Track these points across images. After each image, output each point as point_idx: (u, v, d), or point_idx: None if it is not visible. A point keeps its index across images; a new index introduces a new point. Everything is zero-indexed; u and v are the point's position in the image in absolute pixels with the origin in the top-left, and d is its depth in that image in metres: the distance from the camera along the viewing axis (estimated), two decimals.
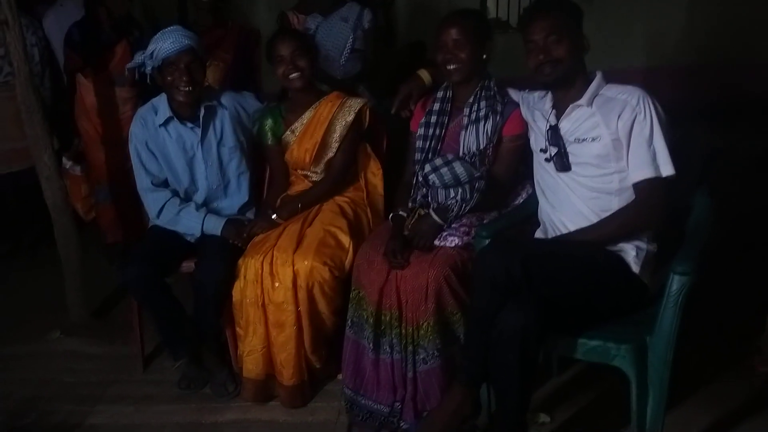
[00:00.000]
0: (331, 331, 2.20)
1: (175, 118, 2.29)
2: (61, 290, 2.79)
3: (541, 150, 1.96)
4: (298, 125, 2.35)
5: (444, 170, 2.08)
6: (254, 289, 2.11)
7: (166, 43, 2.18)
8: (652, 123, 1.78)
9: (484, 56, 2.13)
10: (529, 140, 2.07)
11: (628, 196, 1.83)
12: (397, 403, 2.04)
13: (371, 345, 2.04)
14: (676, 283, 1.66)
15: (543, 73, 1.86)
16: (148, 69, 2.24)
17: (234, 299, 2.18)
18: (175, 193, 2.35)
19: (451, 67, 2.09)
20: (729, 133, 4.65)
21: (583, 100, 1.85)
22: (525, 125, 2.08)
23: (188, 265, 2.30)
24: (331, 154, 2.35)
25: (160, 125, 2.29)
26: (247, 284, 2.12)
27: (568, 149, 1.89)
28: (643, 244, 1.85)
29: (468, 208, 2.05)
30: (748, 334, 2.34)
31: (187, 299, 2.27)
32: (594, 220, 1.86)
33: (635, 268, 1.83)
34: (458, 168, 2.07)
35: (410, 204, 2.19)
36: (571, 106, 1.88)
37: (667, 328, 1.69)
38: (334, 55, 3.07)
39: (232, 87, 2.92)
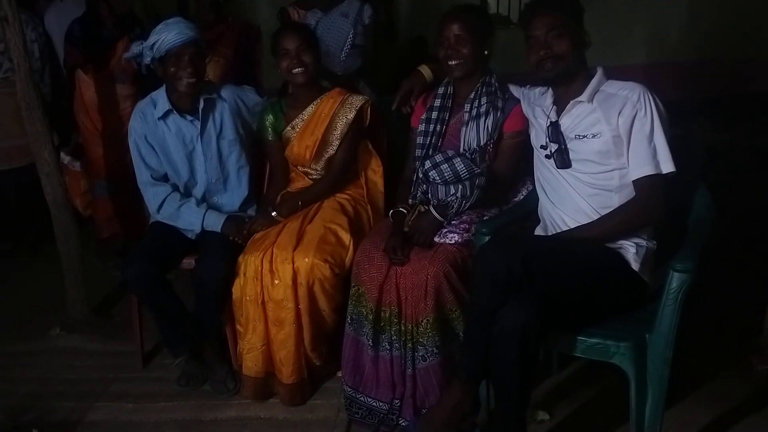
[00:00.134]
0: (331, 328, 2.20)
1: (175, 111, 2.29)
2: (61, 287, 2.79)
3: (542, 146, 1.96)
4: (299, 121, 2.35)
5: (444, 166, 2.08)
6: (254, 286, 2.11)
7: (171, 34, 2.17)
8: (653, 120, 1.77)
9: (486, 52, 2.12)
10: (529, 136, 2.07)
11: (629, 193, 1.83)
12: (396, 401, 2.04)
13: (370, 342, 2.04)
14: (675, 281, 1.66)
15: (544, 69, 1.86)
16: (147, 60, 2.23)
17: (234, 296, 2.18)
18: (175, 188, 2.34)
19: (453, 62, 2.09)
20: (730, 130, 4.65)
21: (584, 97, 1.85)
22: (526, 121, 2.08)
23: (189, 262, 2.30)
24: (331, 152, 2.34)
25: (159, 118, 2.29)
26: (247, 281, 2.12)
27: (569, 146, 1.88)
28: (643, 242, 1.85)
29: (468, 204, 2.05)
30: (747, 333, 2.34)
31: (188, 296, 2.27)
32: (594, 217, 1.86)
33: (635, 266, 1.83)
34: (458, 164, 2.06)
35: (410, 200, 2.18)
36: (571, 102, 1.88)
37: (667, 326, 1.68)
38: (334, 51, 3.06)
39: (232, 83, 2.92)
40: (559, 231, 1.93)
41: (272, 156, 2.45)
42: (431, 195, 2.15)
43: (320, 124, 2.31)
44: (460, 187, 2.07)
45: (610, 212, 1.84)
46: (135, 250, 2.28)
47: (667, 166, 1.77)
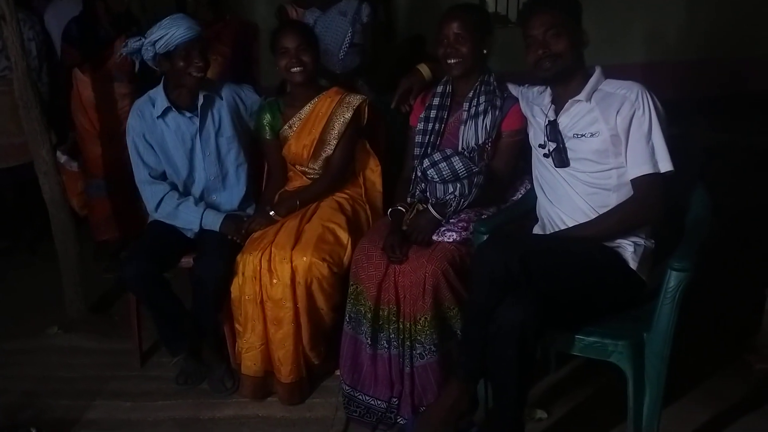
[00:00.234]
0: (330, 327, 2.20)
1: (173, 109, 2.29)
2: (59, 286, 2.78)
3: (540, 145, 1.96)
4: (296, 120, 2.34)
5: (442, 165, 2.08)
6: (252, 285, 2.11)
7: (181, 29, 2.16)
8: (651, 119, 1.77)
9: (485, 51, 2.13)
10: (528, 135, 2.07)
11: (627, 192, 1.83)
12: (394, 399, 2.04)
13: (369, 340, 2.04)
14: (673, 280, 1.66)
15: (542, 68, 1.86)
16: (149, 55, 2.21)
17: (233, 296, 2.18)
18: (174, 187, 2.34)
19: (452, 61, 2.09)
20: (728, 129, 4.65)
21: (582, 96, 1.85)
22: (524, 120, 2.08)
23: (187, 261, 2.29)
24: (329, 151, 2.34)
25: (158, 117, 2.28)
26: (246, 281, 2.12)
27: (567, 145, 1.88)
28: (641, 241, 1.85)
29: (466, 203, 2.05)
30: (744, 332, 2.34)
31: (186, 294, 2.27)
32: (592, 215, 1.86)
33: (633, 264, 1.83)
34: (457, 163, 2.07)
35: (409, 199, 2.18)
36: (570, 101, 1.88)
37: (665, 325, 1.69)
38: (332, 50, 3.06)
39: (230, 81, 2.91)
40: (557, 230, 1.93)
41: (270, 155, 2.44)
42: (430, 193, 2.15)
43: (318, 123, 2.30)
44: (458, 185, 2.07)
45: (608, 211, 1.84)
46: (133, 249, 2.28)
47: (665, 166, 1.77)
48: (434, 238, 2.04)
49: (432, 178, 2.10)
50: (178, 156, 2.32)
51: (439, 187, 2.12)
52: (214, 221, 2.29)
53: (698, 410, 2.05)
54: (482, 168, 2.07)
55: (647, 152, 1.77)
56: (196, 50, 2.20)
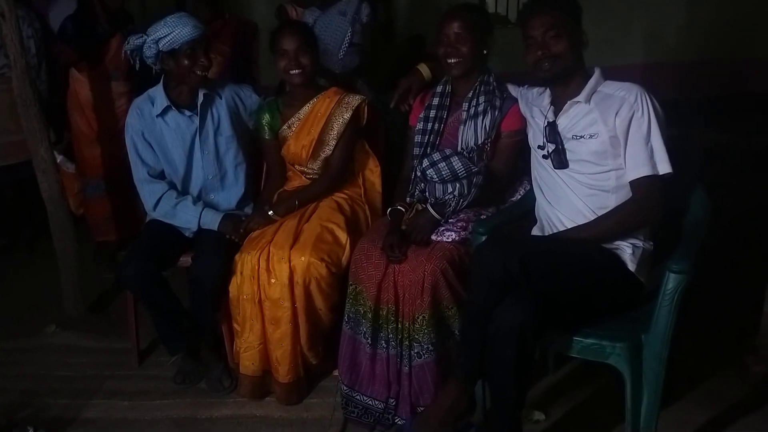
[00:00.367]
0: (328, 327, 2.20)
1: (173, 108, 2.28)
2: (57, 284, 2.78)
3: (539, 146, 1.96)
4: (295, 120, 2.34)
5: (442, 165, 2.08)
6: (251, 285, 2.11)
7: (187, 27, 2.17)
8: (650, 120, 1.77)
9: (485, 51, 2.12)
10: (527, 136, 2.07)
11: (626, 194, 1.83)
12: (392, 400, 2.04)
13: (369, 340, 2.04)
14: (672, 282, 1.66)
15: (541, 69, 1.86)
16: (152, 52, 2.20)
17: (231, 295, 2.17)
18: (172, 186, 2.34)
19: (452, 60, 2.09)
20: (727, 130, 4.65)
21: (581, 97, 1.85)
22: (523, 121, 2.08)
23: (185, 260, 2.29)
24: (328, 151, 2.34)
25: (157, 115, 2.28)
26: (244, 280, 2.12)
27: (566, 146, 1.88)
28: (639, 242, 1.85)
29: (465, 203, 2.05)
30: (742, 333, 2.35)
31: (184, 293, 2.26)
32: (591, 217, 1.86)
33: (631, 266, 1.83)
34: (456, 163, 2.06)
35: (408, 199, 2.18)
36: (569, 102, 1.87)
37: (663, 327, 1.69)
38: (332, 49, 3.06)
39: (230, 79, 2.91)
40: (555, 231, 1.93)
41: (269, 155, 2.44)
42: (429, 193, 2.15)
43: (316, 123, 2.30)
44: (457, 185, 2.07)
45: (606, 213, 1.84)
46: (132, 248, 2.27)
47: (664, 167, 1.77)
48: (433, 237, 2.04)
49: (431, 178, 2.10)
50: (176, 154, 2.32)
51: (439, 187, 2.12)
52: (212, 220, 2.28)
53: (697, 412, 2.05)
54: (481, 168, 2.07)
55: (646, 154, 1.77)
56: (200, 49, 2.21)
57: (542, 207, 2.00)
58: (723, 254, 2.84)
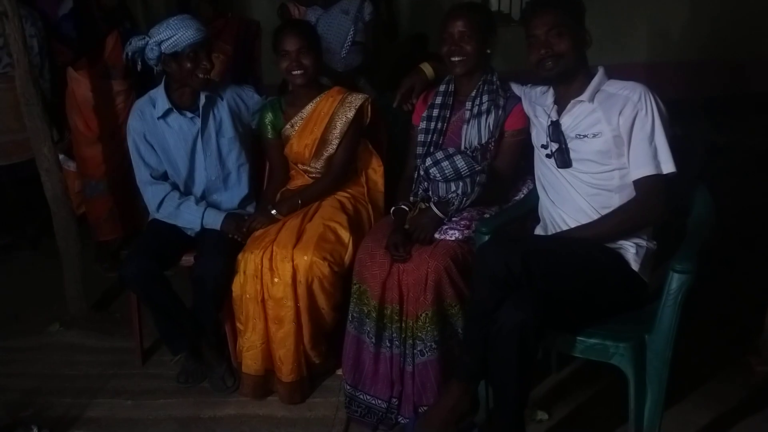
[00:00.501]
0: (331, 326, 2.20)
1: (175, 110, 2.28)
2: (60, 283, 2.78)
3: (542, 146, 1.95)
4: (298, 120, 2.34)
5: (445, 164, 2.07)
6: (254, 284, 2.11)
7: (190, 30, 2.16)
8: (654, 120, 1.76)
9: (488, 51, 2.12)
10: (530, 135, 2.06)
11: (629, 193, 1.82)
12: (394, 399, 2.04)
13: (373, 339, 2.04)
14: (675, 282, 1.65)
15: (544, 68, 1.85)
16: (154, 54, 2.19)
17: (234, 294, 2.17)
18: (175, 187, 2.34)
19: (456, 59, 2.08)
20: (731, 129, 4.64)
21: (585, 96, 1.84)
22: (527, 120, 2.08)
23: (188, 259, 2.29)
24: (331, 150, 2.34)
25: (158, 118, 2.28)
26: (247, 279, 2.12)
27: (569, 145, 1.88)
28: (642, 242, 1.84)
29: (469, 201, 2.05)
30: (746, 333, 2.34)
31: (187, 292, 2.26)
32: (594, 216, 1.85)
33: (635, 266, 1.83)
34: (459, 161, 2.06)
35: (412, 198, 2.18)
36: (572, 101, 1.87)
37: (666, 327, 1.68)
38: (335, 48, 3.06)
39: (232, 79, 2.91)
40: (559, 230, 1.93)
41: (272, 154, 2.44)
42: (432, 192, 2.15)
43: (319, 122, 2.30)
44: (461, 184, 2.07)
45: (610, 212, 1.83)
46: (134, 247, 2.27)
47: (668, 167, 1.77)
48: (436, 236, 2.04)
49: (434, 176, 2.10)
50: (179, 156, 2.32)
51: (442, 186, 2.12)
52: (215, 220, 2.28)
53: (700, 412, 2.05)
54: (485, 167, 2.07)
55: (650, 153, 1.76)
56: (203, 52, 2.20)
57: (545, 206, 2.00)
58: (726, 254, 2.83)
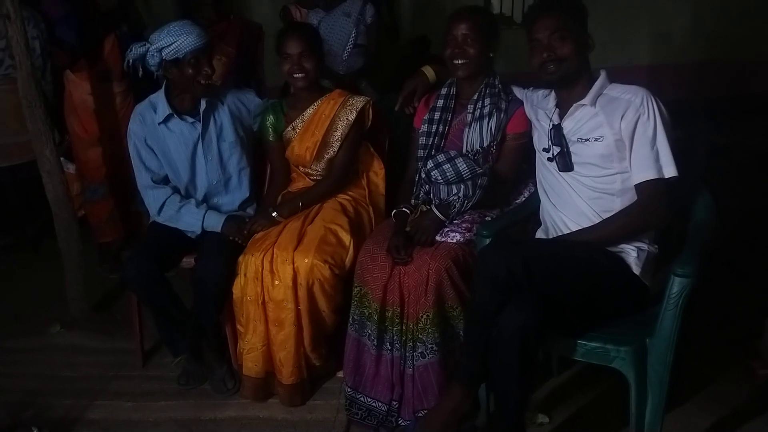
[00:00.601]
0: (331, 329, 2.20)
1: (176, 115, 2.28)
2: (61, 284, 2.78)
3: (544, 149, 1.95)
4: (299, 122, 2.34)
5: (446, 166, 2.07)
6: (254, 286, 2.11)
7: (191, 36, 2.16)
8: (656, 124, 1.76)
9: (491, 55, 2.12)
10: (532, 139, 2.06)
11: (631, 197, 1.82)
12: (394, 402, 2.04)
13: (374, 342, 2.04)
14: (676, 286, 1.65)
15: (547, 72, 1.85)
16: (155, 60, 2.19)
17: (234, 296, 2.17)
18: (176, 190, 2.34)
19: (459, 62, 2.08)
20: (733, 131, 4.64)
21: (587, 100, 1.84)
22: (529, 123, 2.08)
23: (188, 261, 2.29)
24: (332, 153, 2.34)
25: (159, 123, 2.28)
26: (248, 282, 2.12)
27: (571, 149, 1.88)
28: (644, 246, 1.84)
29: (470, 204, 2.05)
30: (747, 336, 2.34)
31: (187, 294, 2.26)
32: (596, 220, 1.85)
33: (636, 270, 1.83)
34: (461, 164, 2.06)
35: (413, 201, 2.18)
36: (574, 105, 1.87)
37: (668, 330, 1.68)
38: (336, 50, 3.06)
39: (235, 81, 2.91)
40: (560, 234, 1.93)
41: (273, 156, 2.44)
42: (433, 195, 2.14)
43: (321, 125, 2.30)
44: (462, 186, 2.07)
45: (611, 216, 1.83)
46: (134, 249, 2.27)
47: (670, 171, 1.77)
48: (438, 238, 2.04)
49: (436, 179, 2.10)
50: (180, 160, 2.32)
51: (443, 189, 2.11)
52: (216, 223, 2.28)
53: (701, 415, 2.04)
54: (486, 170, 2.07)
55: (651, 157, 1.76)
56: (204, 58, 2.20)
57: (547, 210, 2.00)
58: (728, 257, 2.83)
